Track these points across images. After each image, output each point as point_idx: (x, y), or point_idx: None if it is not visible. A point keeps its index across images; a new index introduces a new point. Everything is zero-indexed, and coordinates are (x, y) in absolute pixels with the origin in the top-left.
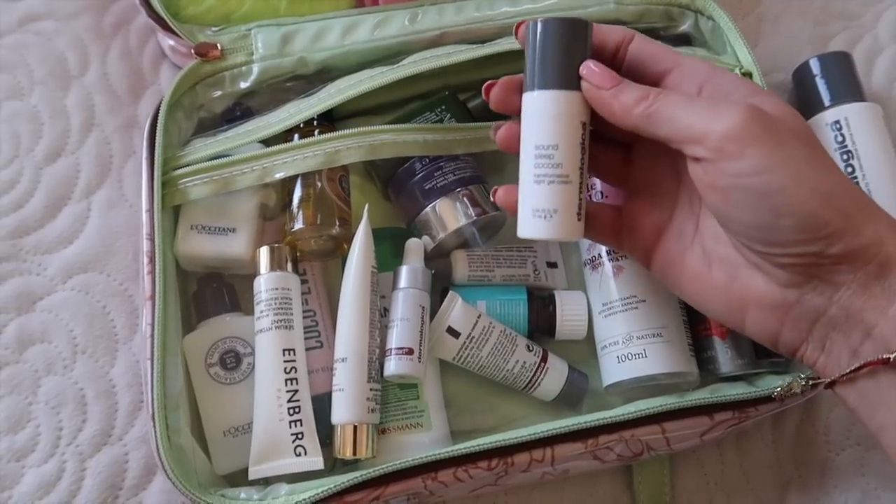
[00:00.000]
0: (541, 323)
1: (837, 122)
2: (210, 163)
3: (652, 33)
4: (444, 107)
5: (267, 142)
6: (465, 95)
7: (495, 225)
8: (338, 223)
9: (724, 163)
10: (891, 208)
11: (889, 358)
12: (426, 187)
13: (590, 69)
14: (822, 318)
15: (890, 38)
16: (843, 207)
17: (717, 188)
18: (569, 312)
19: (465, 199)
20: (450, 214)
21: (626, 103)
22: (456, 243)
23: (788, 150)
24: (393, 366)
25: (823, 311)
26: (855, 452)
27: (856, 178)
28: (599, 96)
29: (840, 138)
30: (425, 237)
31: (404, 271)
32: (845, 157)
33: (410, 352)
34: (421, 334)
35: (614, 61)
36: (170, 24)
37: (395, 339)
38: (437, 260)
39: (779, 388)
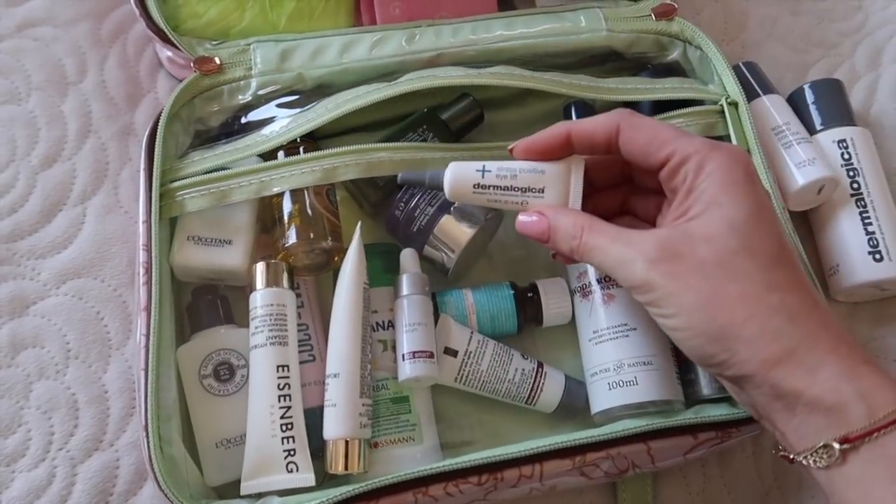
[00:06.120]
0: (528, 311)
1: (843, 140)
2: (208, 175)
3: (642, 61)
4: (425, 126)
5: (264, 155)
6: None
7: (494, 226)
8: (330, 237)
9: (638, 297)
10: (890, 226)
11: (792, 457)
12: (414, 230)
13: (522, 224)
14: (760, 414)
15: (866, 67)
16: (726, 343)
17: None
18: (553, 298)
19: (457, 218)
20: (452, 237)
21: (560, 246)
22: (472, 252)
23: (686, 290)
24: (409, 369)
25: (757, 410)
26: None
27: (861, 194)
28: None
29: (847, 156)
30: (444, 258)
31: (408, 279)
32: (851, 174)
33: (431, 355)
34: (435, 338)
35: (611, 153)
36: (170, 36)
37: (412, 343)
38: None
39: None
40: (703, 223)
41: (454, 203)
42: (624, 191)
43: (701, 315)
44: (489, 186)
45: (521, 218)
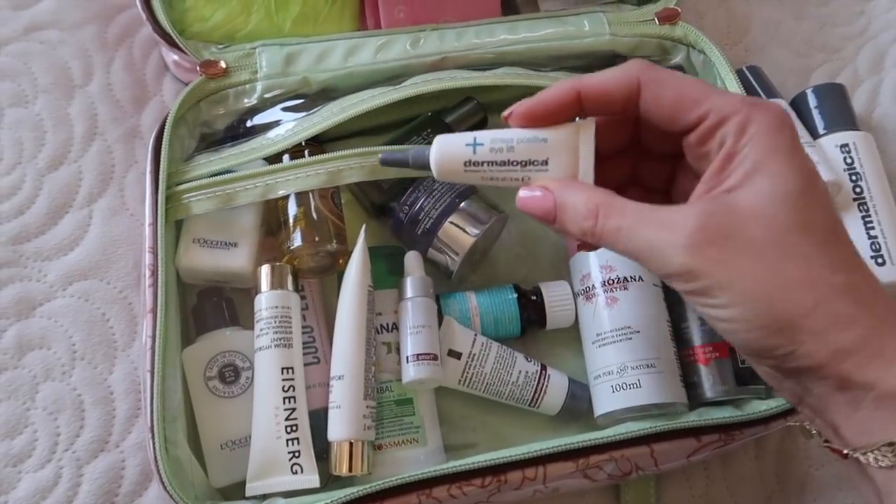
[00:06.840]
0: (531, 314)
1: (846, 144)
2: (214, 178)
3: None
4: (430, 129)
5: (269, 158)
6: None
7: (498, 228)
8: (335, 240)
9: (676, 286)
10: (892, 230)
11: (846, 453)
12: (418, 232)
13: (523, 200)
14: (804, 402)
15: (869, 71)
16: (791, 335)
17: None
18: (556, 301)
19: (461, 221)
20: (456, 240)
21: (569, 227)
22: (476, 255)
23: (741, 278)
24: (413, 371)
25: (802, 399)
26: (833, 468)
27: (863, 198)
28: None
29: (849, 160)
30: (448, 261)
31: (412, 281)
32: (854, 178)
33: (435, 357)
34: (438, 340)
35: (627, 118)
36: (176, 40)
37: (416, 345)
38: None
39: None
40: (747, 195)
41: (459, 205)
42: (632, 156)
43: (761, 305)
44: (483, 163)
45: (523, 193)
